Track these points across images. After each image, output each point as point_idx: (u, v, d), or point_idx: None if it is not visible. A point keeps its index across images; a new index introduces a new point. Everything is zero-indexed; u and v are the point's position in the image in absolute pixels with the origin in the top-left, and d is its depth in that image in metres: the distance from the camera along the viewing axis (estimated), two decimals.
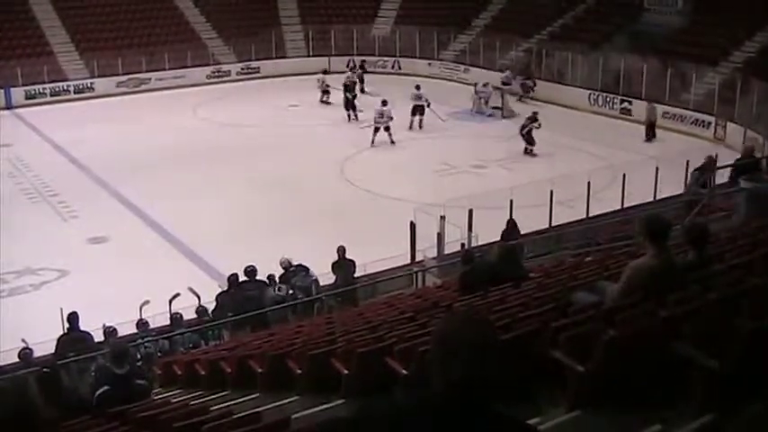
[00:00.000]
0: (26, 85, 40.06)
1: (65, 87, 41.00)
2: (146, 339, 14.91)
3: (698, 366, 5.17)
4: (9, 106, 39.07)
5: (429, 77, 43.02)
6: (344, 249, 17.54)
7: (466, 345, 2.80)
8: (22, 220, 23.44)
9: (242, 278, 16.74)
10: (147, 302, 15.84)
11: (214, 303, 16.44)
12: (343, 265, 17.49)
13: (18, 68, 39.72)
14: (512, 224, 19.18)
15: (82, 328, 14.99)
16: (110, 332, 14.97)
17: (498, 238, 18.73)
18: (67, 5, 44.23)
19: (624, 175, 21.58)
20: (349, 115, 34.26)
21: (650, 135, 30.66)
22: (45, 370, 9.44)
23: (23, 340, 14.48)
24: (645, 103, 32.99)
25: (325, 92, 37.85)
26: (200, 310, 16.37)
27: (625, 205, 21.14)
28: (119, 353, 9.59)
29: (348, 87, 35.17)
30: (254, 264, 16.76)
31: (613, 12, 39.49)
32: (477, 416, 2.77)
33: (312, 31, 46.40)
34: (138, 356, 14.31)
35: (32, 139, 33.57)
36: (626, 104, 34.30)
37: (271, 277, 16.93)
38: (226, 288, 16.73)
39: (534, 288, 9.02)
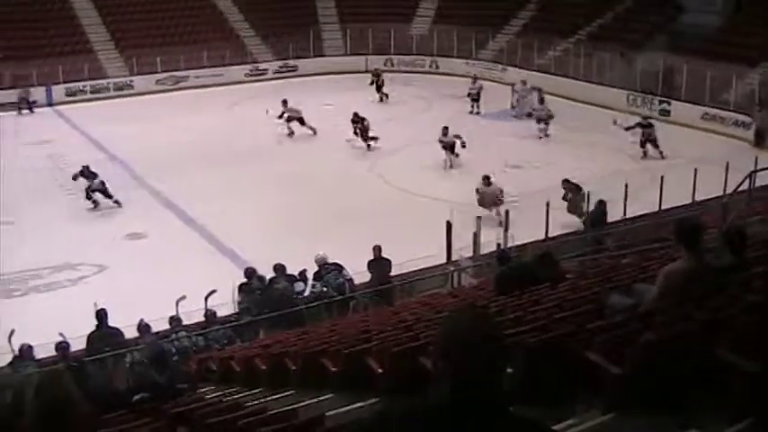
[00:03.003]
0: (67, 83, 40.51)
1: (105, 85, 41.43)
2: (180, 335, 15.00)
3: (736, 370, 5.10)
4: (50, 103, 39.53)
5: (466, 77, 42.96)
6: (380, 248, 17.54)
7: (477, 342, 2.79)
8: (61, 215, 23.64)
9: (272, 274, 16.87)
10: (183, 298, 15.92)
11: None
12: (379, 263, 17.48)
13: (59, 66, 40.13)
14: (601, 206, 19.22)
15: (112, 325, 15.14)
16: (144, 328, 15.08)
17: (533, 240, 18.75)
18: (108, 4, 44.63)
19: (662, 177, 21.42)
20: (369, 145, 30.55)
21: (760, 140, 29.71)
22: (73, 365, 9.50)
23: (61, 334, 14.63)
24: (685, 104, 32.86)
25: (291, 118, 32.84)
26: (242, 309, 16.46)
27: (663, 207, 20.99)
28: (157, 357, 9.61)
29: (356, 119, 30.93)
30: (283, 262, 16.83)
31: (652, 12, 39.20)
32: (493, 416, 2.76)
33: (350, 29, 46.44)
34: (173, 351, 14.41)
35: (72, 136, 33.91)
36: (665, 105, 34.02)
37: (302, 273, 16.96)
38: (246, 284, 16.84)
39: (570, 289, 8.98)
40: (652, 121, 28.88)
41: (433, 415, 2.80)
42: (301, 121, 32.63)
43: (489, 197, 21.95)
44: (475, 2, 45.22)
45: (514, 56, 41.86)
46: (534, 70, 39.36)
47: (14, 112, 37.79)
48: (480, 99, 36.51)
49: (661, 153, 27.62)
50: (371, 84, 39.24)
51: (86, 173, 25.21)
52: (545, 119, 31.00)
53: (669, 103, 33.87)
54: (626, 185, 20.78)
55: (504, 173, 25.68)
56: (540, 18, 43.78)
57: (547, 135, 30.89)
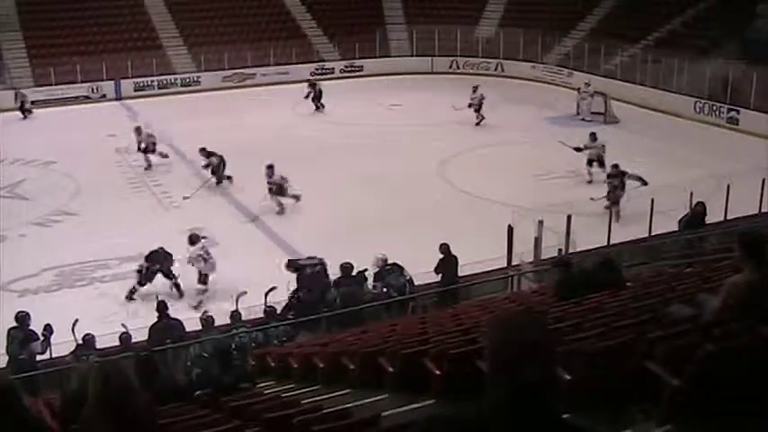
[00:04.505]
0: (135, 78, 41.13)
1: (172, 80, 41.99)
2: (240, 331, 15.16)
3: None
4: (119, 97, 40.18)
5: (532, 81, 42.81)
6: (449, 246, 17.49)
7: (536, 346, 2.78)
8: (127, 208, 24.00)
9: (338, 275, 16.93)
10: (243, 293, 16.10)
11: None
12: (449, 261, 17.45)
13: (128, 61, 40.80)
14: (700, 208, 19.00)
15: (173, 317, 15.39)
16: (207, 322, 15.27)
17: (597, 245, 18.57)
18: (178, 1, 45.23)
19: (728, 186, 21.10)
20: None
21: None
22: (143, 354, 9.64)
23: (123, 325, 14.92)
24: (754, 113, 32.28)
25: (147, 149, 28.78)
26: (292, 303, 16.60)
27: (728, 217, 20.68)
28: (222, 355, 9.70)
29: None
30: (342, 261, 16.91)
31: (723, 18, 38.59)
32: (546, 424, 2.75)
33: (416, 31, 46.48)
34: (233, 346, 14.56)
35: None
36: (733, 114, 33.53)
37: (361, 273, 17.01)
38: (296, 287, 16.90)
39: (631, 297, 8.90)
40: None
41: (485, 420, 2.79)
42: (153, 149, 28.59)
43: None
44: (542, 5, 45.02)
45: (581, 60, 41.55)
46: (601, 75, 39.03)
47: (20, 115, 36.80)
48: (482, 109, 33.87)
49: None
50: (307, 96, 36.98)
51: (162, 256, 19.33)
52: (596, 158, 26.15)
53: (738, 112, 33.37)
54: (691, 193, 20.51)
55: (567, 177, 25.45)
56: (607, 22, 43.39)
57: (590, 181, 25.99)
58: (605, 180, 23.34)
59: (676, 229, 20.37)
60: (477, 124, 33.88)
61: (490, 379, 2.82)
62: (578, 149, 26.37)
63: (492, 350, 2.86)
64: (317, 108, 37.06)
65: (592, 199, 22.46)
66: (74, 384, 6.59)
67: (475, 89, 34.57)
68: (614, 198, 22.53)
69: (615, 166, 23.16)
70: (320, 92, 37.32)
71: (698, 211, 19.35)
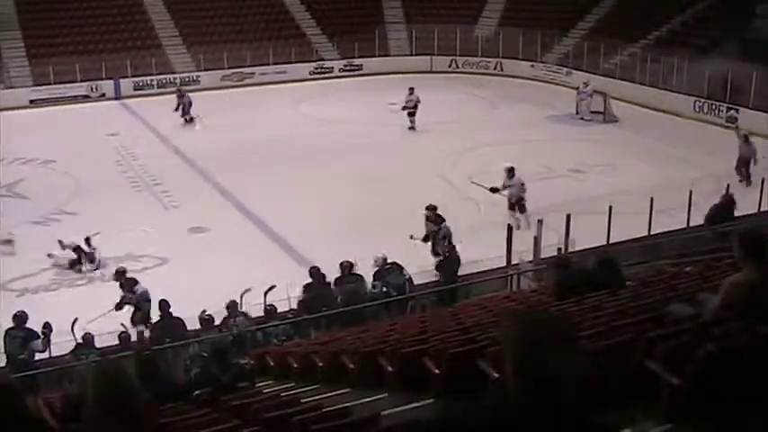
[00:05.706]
0: (135, 77, 41.11)
1: (171, 80, 41.89)
2: (238, 320, 15.16)
3: None
4: (118, 97, 40.15)
5: (531, 80, 42.78)
6: (455, 247, 17.47)
7: (557, 343, 2.76)
8: (126, 207, 23.99)
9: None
10: (248, 291, 16.11)
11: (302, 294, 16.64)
12: (452, 261, 17.43)
13: (128, 60, 40.80)
14: (728, 199, 18.94)
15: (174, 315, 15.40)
16: (206, 321, 15.26)
17: (595, 244, 18.54)
18: (177, 0, 45.21)
19: (728, 185, 21.11)
20: None
21: (744, 175, 24.82)
22: (146, 353, 9.64)
23: (122, 324, 14.91)
24: (753, 112, 32.24)
25: None
26: (301, 304, 16.56)
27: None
28: (220, 354, 9.70)
29: None
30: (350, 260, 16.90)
31: (723, 18, 38.57)
32: (566, 420, 2.73)
33: (415, 30, 46.47)
34: (231, 338, 14.54)
35: (139, 130, 34.38)
36: (732, 112, 33.50)
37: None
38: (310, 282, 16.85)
39: (630, 297, 8.89)
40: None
41: (507, 417, 2.76)
42: None
43: None
44: (541, 4, 44.99)
45: (580, 59, 41.50)
46: (600, 74, 38.99)
47: None
48: (416, 114, 32.87)
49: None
50: (177, 108, 34.59)
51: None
52: (516, 201, 22.40)
53: (737, 111, 33.35)
54: (690, 193, 20.51)
55: (567, 176, 25.42)
56: (607, 21, 43.37)
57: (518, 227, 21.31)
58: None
59: (675, 228, 20.40)
60: (411, 128, 33.12)
61: (513, 375, 2.79)
62: (494, 190, 22.72)
63: (515, 347, 2.82)
64: (187, 121, 34.51)
65: (411, 237, 19.24)
66: (75, 386, 6.59)
67: (411, 91, 33.31)
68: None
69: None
70: (190, 103, 34.73)
71: (728, 200, 19.23)
